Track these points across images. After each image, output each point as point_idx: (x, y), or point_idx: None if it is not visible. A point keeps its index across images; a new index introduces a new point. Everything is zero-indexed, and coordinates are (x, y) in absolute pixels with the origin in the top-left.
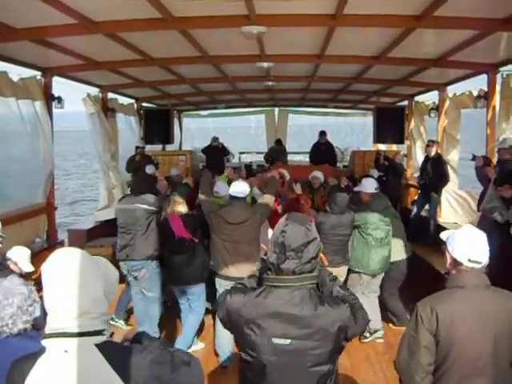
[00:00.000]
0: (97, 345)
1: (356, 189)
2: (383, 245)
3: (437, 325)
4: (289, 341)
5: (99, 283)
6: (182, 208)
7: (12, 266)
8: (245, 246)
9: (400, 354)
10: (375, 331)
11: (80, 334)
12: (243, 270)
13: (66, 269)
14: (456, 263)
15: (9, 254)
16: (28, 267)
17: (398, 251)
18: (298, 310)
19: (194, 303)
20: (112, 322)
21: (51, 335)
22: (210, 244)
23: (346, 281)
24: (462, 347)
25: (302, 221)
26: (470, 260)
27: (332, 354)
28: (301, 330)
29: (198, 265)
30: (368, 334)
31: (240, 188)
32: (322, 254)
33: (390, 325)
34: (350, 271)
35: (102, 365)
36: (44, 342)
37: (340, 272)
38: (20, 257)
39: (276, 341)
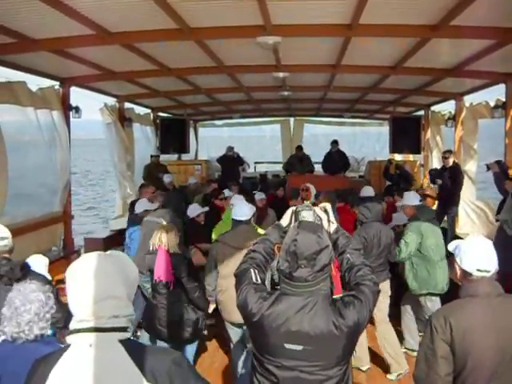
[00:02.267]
0: (120, 341)
1: (399, 204)
2: (443, 259)
3: (451, 335)
4: (301, 347)
5: (121, 283)
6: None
7: None
8: None
9: (418, 366)
10: None
11: (104, 330)
12: None
13: (88, 270)
14: (466, 274)
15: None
16: (47, 275)
17: None
18: (309, 317)
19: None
20: None
21: (76, 331)
22: (219, 286)
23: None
24: (477, 356)
25: (314, 229)
26: (479, 270)
27: (344, 356)
28: (313, 337)
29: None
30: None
31: (242, 211)
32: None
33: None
34: (410, 296)
35: (125, 359)
36: (68, 338)
37: (384, 287)
38: (38, 265)
39: (288, 346)
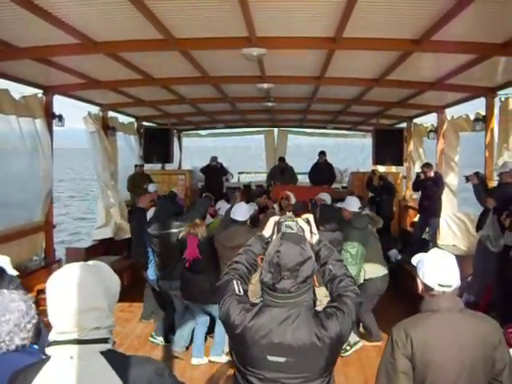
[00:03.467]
0: (101, 352)
1: (339, 205)
2: (357, 264)
3: (412, 349)
4: (284, 359)
5: (102, 294)
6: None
7: None
8: None
9: (378, 380)
10: (355, 343)
11: (85, 342)
12: None
13: (70, 281)
14: (427, 288)
15: None
16: (13, 271)
17: (374, 268)
18: (292, 328)
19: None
20: (151, 339)
21: (56, 343)
22: None
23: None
24: (437, 371)
25: (297, 240)
26: (440, 285)
27: (327, 367)
28: (295, 348)
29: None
30: (348, 347)
31: (240, 211)
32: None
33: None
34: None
35: (107, 370)
36: (48, 350)
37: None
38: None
39: (271, 358)
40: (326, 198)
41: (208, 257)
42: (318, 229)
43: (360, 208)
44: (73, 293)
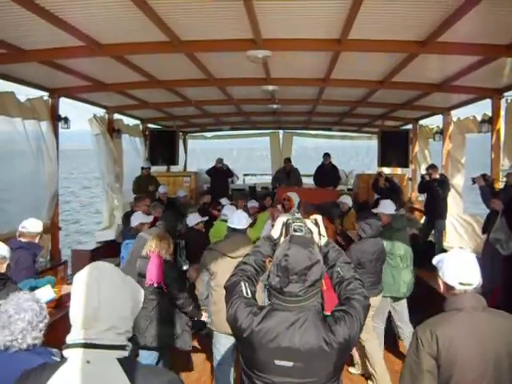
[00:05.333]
0: (118, 359)
1: (375, 211)
2: (408, 266)
3: (437, 348)
4: (291, 363)
5: (128, 300)
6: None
7: None
8: None
9: (403, 380)
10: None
11: (103, 347)
12: None
13: (97, 282)
14: (449, 287)
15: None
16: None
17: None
18: (300, 332)
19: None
20: None
21: (74, 345)
22: (209, 298)
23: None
24: (462, 370)
25: (305, 243)
26: (461, 283)
27: (335, 372)
28: (303, 353)
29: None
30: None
31: (239, 218)
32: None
33: None
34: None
35: (122, 378)
36: (66, 352)
37: (375, 302)
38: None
39: (278, 362)
40: (348, 201)
41: (171, 283)
42: (359, 237)
43: (396, 210)
44: (102, 298)
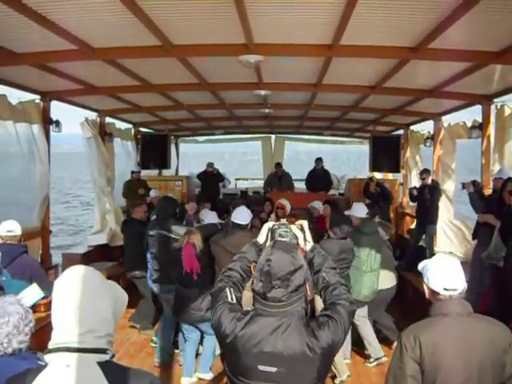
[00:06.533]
0: (98, 363)
1: (346, 213)
2: (373, 270)
3: (420, 353)
4: (275, 369)
5: (109, 304)
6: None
7: None
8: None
9: None
10: (377, 358)
11: (83, 350)
12: None
13: (78, 285)
14: (433, 293)
15: None
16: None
17: (386, 279)
18: (283, 338)
19: (208, 332)
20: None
21: (55, 350)
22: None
23: None
24: (447, 375)
25: (288, 249)
26: (445, 289)
27: (319, 378)
28: (286, 358)
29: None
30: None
31: (242, 214)
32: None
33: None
34: None
35: (101, 382)
36: (47, 357)
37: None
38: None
39: (262, 368)
40: (318, 206)
41: (204, 269)
42: (329, 237)
43: (367, 214)
44: (80, 301)
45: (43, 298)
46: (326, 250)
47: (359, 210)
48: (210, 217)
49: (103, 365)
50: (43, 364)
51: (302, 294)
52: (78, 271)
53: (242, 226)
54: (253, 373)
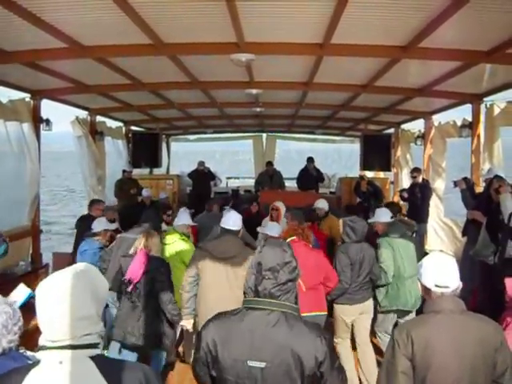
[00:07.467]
0: (91, 357)
1: (370, 221)
2: (414, 275)
3: (412, 349)
4: (264, 364)
5: (91, 300)
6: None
7: None
8: (236, 291)
9: (379, 380)
10: None
11: (74, 347)
12: None
13: (59, 290)
14: (426, 290)
15: None
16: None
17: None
18: (273, 331)
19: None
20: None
21: (46, 347)
22: (197, 296)
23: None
24: (437, 372)
25: (279, 244)
26: (437, 285)
27: (309, 377)
28: (276, 353)
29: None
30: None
31: (232, 219)
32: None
33: None
34: (380, 312)
35: (95, 375)
36: (38, 355)
37: (366, 308)
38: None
39: (251, 363)
40: (324, 205)
41: (155, 282)
42: (342, 242)
43: (392, 217)
44: (62, 302)
45: (32, 296)
46: (343, 253)
47: (383, 215)
48: (182, 217)
49: (96, 359)
50: (31, 363)
51: (293, 291)
52: (58, 275)
53: (232, 231)
54: (242, 369)
